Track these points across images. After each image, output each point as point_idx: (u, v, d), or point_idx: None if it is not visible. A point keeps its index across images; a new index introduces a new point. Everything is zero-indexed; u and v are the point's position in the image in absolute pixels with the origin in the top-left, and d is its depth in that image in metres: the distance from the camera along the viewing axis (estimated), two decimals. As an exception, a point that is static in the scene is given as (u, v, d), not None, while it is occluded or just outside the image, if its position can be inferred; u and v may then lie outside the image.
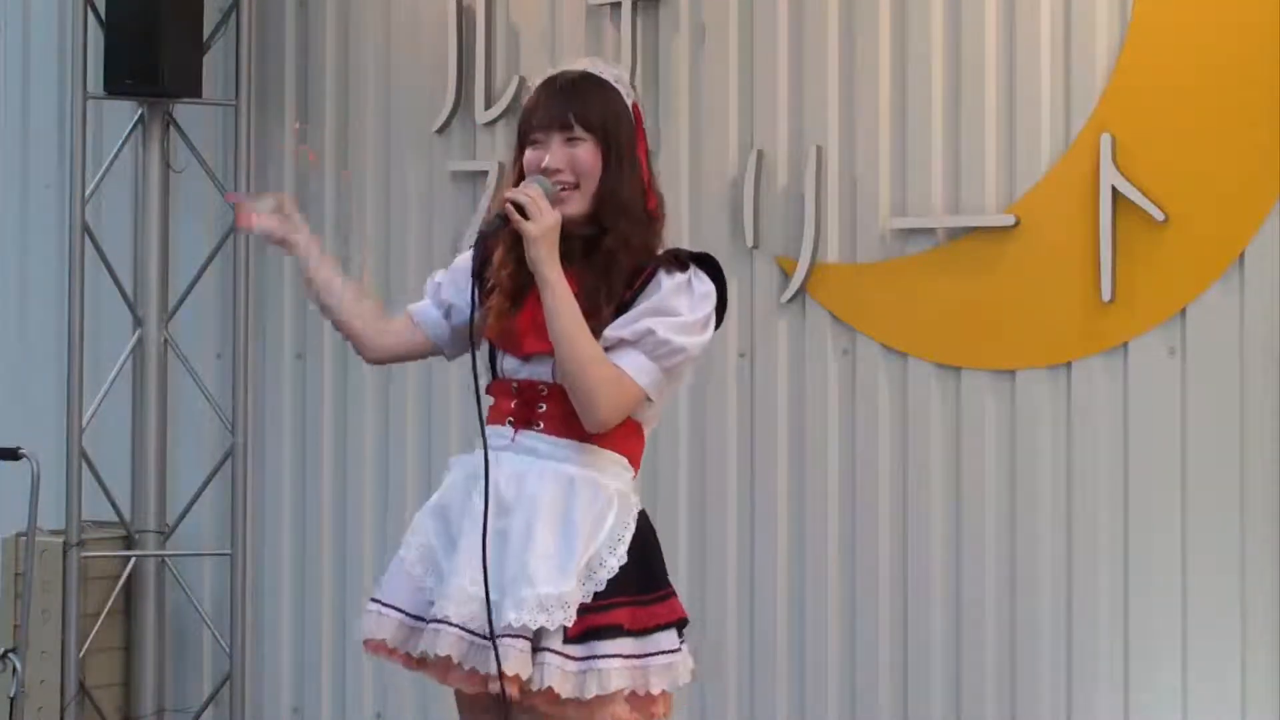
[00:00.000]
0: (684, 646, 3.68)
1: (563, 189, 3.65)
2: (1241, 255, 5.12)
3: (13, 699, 6.00)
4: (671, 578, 3.72)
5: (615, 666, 3.55)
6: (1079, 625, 5.31)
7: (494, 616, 3.54)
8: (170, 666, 6.74)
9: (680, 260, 3.69)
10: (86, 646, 6.44)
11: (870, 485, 5.60)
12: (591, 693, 3.54)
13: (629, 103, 3.75)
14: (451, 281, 3.87)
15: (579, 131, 3.67)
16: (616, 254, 3.66)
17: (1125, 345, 5.27)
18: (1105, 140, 5.25)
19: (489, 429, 3.68)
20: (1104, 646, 5.27)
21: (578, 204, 3.67)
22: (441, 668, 3.63)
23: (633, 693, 3.59)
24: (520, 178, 3.71)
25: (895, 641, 5.56)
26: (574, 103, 3.68)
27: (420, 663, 3.68)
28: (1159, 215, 5.19)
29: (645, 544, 3.65)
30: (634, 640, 3.59)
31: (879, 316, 5.60)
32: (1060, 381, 5.35)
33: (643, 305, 3.64)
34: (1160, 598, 5.20)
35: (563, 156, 3.66)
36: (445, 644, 3.58)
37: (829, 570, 5.65)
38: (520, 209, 3.58)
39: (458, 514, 3.70)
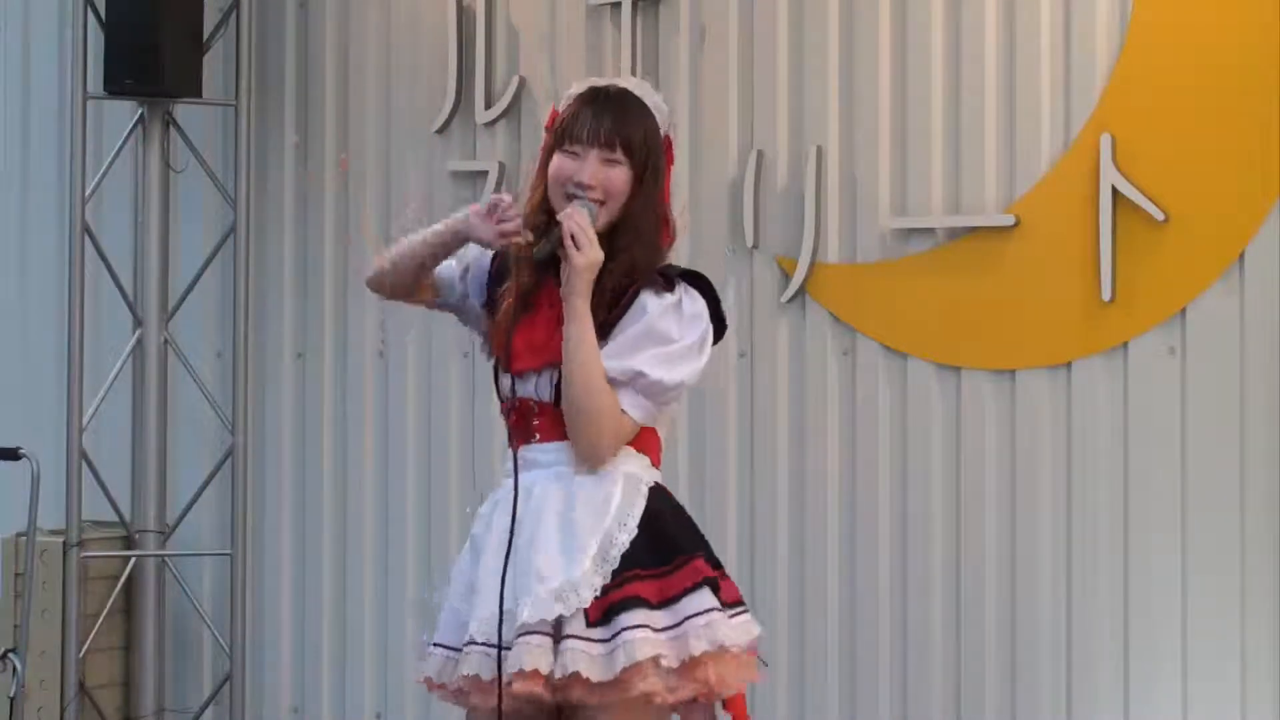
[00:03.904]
0: (733, 609, 3.62)
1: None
2: (1241, 255, 5.12)
3: (13, 699, 6.00)
4: None
5: (639, 637, 3.53)
6: (1079, 625, 5.31)
7: (511, 622, 3.55)
8: (170, 666, 6.74)
9: (668, 279, 3.68)
10: (86, 646, 6.43)
11: (870, 485, 5.60)
12: (620, 666, 3.51)
13: (663, 134, 3.76)
14: (477, 265, 3.86)
15: (619, 154, 3.67)
16: (615, 276, 3.66)
17: (1125, 345, 5.27)
18: (1105, 140, 5.25)
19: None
20: (1104, 646, 5.27)
21: (599, 222, 3.67)
22: (478, 689, 3.62)
23: (680, 664, 3.55)
24: (543, 179, 3.72)
25: (895, 641, 5.55)
26: (620, 124, 3.68)
27: (466, 694, 3.67)
28: (1159, 215, 5.19)
29: (658, 516, 3.65)
30: (662, 612, 3.57)
31: (879, 316, 5.60)
32: (1060, 381, 5.35)
33: (630, 331, 3.64)
34: (1160, 598, 5.20)
35: (597, 174, 3.66)
36: (471, 663, 3.60)
37: (829, 570, 5.65)
38: (573, 237, 3.59)
39: (482, 542, 3.72)
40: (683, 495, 5.77)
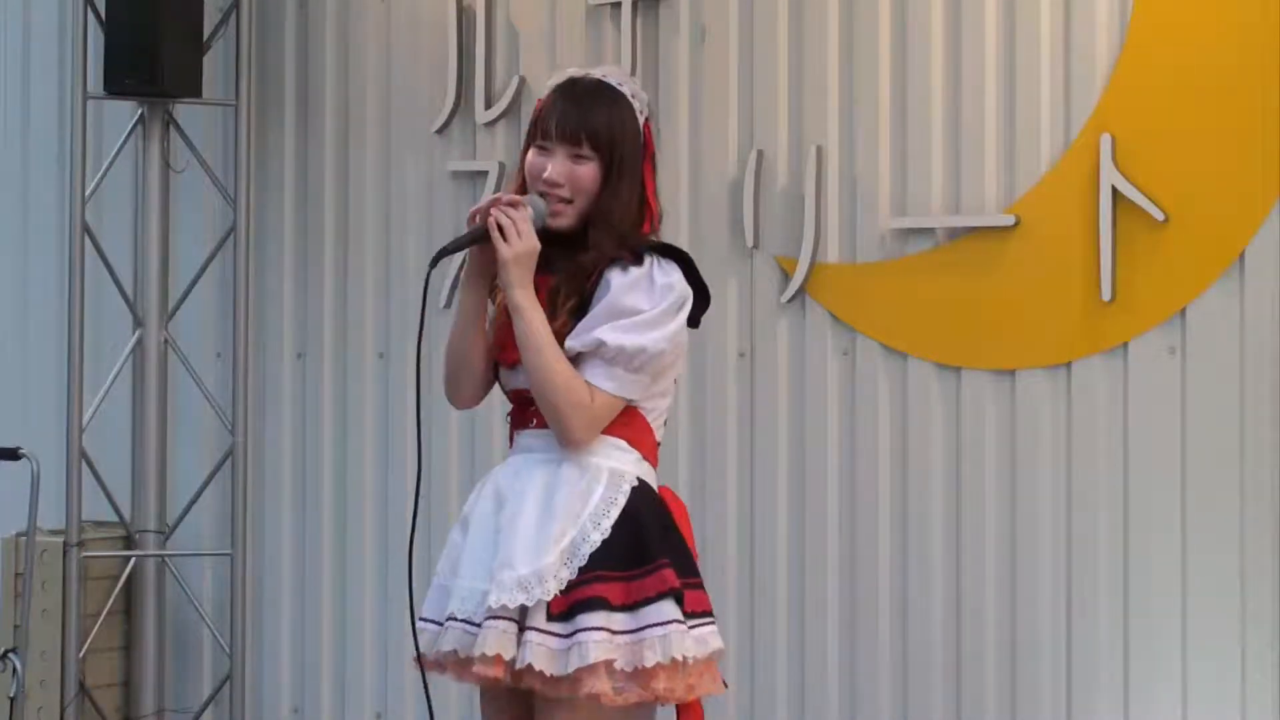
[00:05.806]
0: (697, 619, 3.63)
1: (558, 202, 3.69)
2: (1241, 255, 5.12)
3: (13, 699, 6.00)
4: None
5: (596, 639, 3.55)
6: (1079, 625, 5.31)
7: (481, 602, 3.59)
8: (170, 666, 6.74)
9: (636, 254, 3.68)
10: (86, 646, 6.43)
11: (870, 485, 5.60)
12: (574, 666, 3.54)
13: (641, 120, 3.76)
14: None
15: (586, 150, 3.69)
16: (587, 268, 3.67)
17: (1125, 345, 5.27)
18: (1105, 140, 5.25)
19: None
20: (1104, 646, 5.27)
21: (568, 219, 3.70)
22: (456, 665, 3.67)
23: (633, 669, 3.57)
24: (522, 173, 3.75)
25: (895, 641, 5.55)
26: (587, 119, 3.69)
27: (446, 667, 3.72)
28: (1159, 215, 5.19)
29: (637, 518, 3.65)
30: (625, 615, 3.58)
31: (879, 316, 5.60)
32: (1060, 381, 5.35)
33: (596, 308, 3.65)
34: (1160, 598, 5.20)
35: (564, 170, 3.69)
36: (450, 638, 3.65)
37: (829, 570, 5.65)
38: (500, 229, 3.61)
39: (468, 521, 3.78)
40: (683, 495, 5.79)
